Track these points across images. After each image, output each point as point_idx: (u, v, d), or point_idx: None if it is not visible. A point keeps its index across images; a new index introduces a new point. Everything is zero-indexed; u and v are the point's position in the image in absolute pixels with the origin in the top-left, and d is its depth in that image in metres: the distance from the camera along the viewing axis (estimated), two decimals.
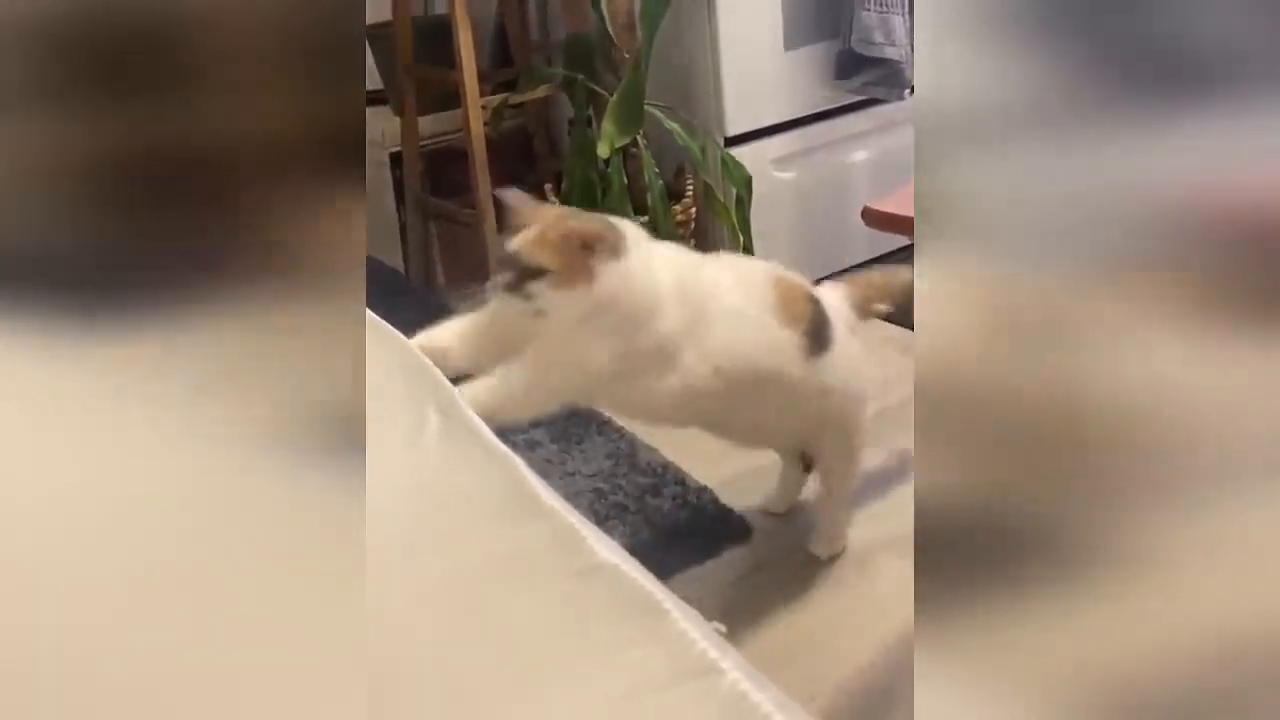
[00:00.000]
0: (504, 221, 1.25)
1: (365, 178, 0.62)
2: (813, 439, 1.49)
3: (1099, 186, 0.56)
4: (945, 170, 0.58)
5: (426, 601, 0.66)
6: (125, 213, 0.58)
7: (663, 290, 1.20)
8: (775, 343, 1.29)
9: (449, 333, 1.22)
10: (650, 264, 1.20)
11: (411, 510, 0.73)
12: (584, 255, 1.14)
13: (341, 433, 0.58)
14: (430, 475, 0.77)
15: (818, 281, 1.45)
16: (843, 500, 1.54)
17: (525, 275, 1.13)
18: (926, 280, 0.59)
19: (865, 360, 1.43)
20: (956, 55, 0.58)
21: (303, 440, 0.59)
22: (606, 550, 0.68)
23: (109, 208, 0.58)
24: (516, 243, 1.14)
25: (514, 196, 1.20)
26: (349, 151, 0.61)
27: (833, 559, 1.53)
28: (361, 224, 0.62)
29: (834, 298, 1.41)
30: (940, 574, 0.54)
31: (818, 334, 1.32)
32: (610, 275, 1.15)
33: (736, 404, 1.31)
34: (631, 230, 1.21)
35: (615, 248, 1.16)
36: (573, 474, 1.78)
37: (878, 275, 1.51)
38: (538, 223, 1.16)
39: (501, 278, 1.15)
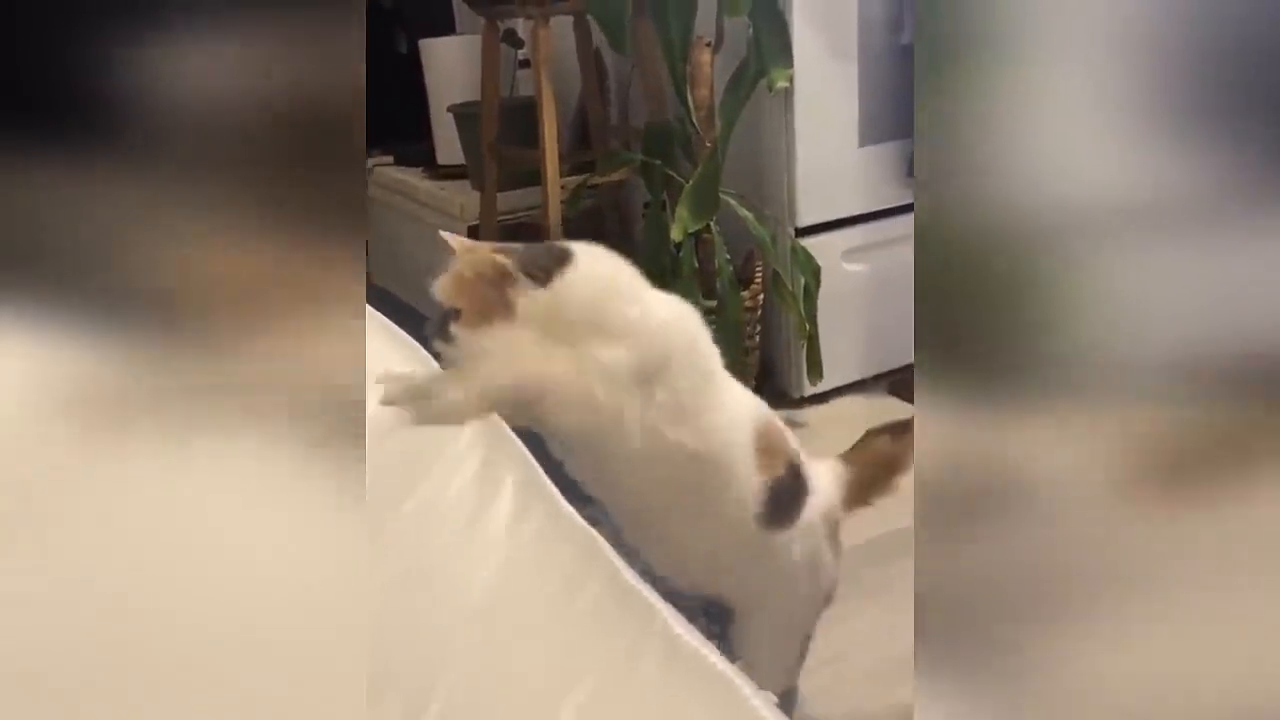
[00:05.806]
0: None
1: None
2: (734, 596, 1.25)
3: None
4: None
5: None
6: None
7: (627, 315, 1.10)
8: (732, 458, 1.11)
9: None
10: (604, 283, 1.11)
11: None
12: (499, 290, 1.03)
13: (342, 422, 0.62)
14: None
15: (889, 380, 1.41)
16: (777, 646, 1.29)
17: (446, 318, 1.04)
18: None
19: (828, 566, 1.24)
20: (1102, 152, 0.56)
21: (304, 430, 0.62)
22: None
23: None
24: (435, 287, 1.06)
25: (450, 238, 1.08)
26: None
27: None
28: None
29: (824, 479, 1.24)
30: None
31: (780, 505, 1.15)
32: (533, 304, 1.03)
33: (669, 498, 1.11)
34: (585, 252, 1.12)
35: (535, 275, 1.03)
36: None
37: (886, 447, 1.30)
38: (460, 262, 1.06)
39: (429, 324, 1.06)
